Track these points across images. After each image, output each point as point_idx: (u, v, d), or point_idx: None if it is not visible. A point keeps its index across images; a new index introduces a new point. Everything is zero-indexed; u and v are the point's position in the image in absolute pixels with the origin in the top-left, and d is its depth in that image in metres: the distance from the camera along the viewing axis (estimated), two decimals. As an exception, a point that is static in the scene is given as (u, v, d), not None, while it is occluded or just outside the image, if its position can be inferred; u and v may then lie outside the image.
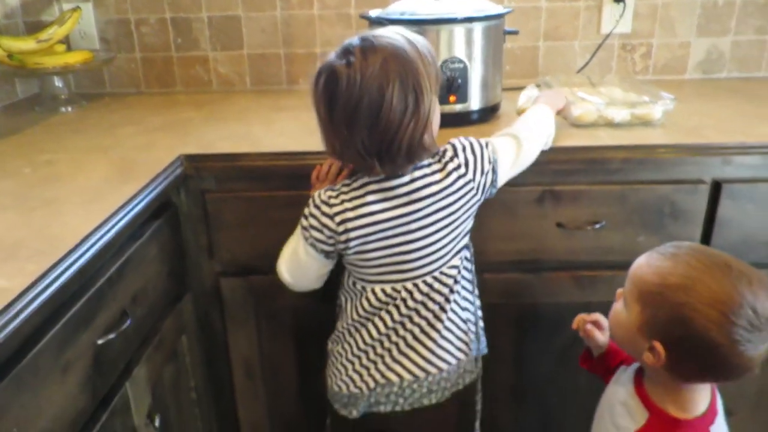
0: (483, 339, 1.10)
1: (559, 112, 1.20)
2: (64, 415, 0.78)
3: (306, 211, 0.97)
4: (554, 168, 1.18)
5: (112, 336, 0.88)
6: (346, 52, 0.88)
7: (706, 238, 1.22)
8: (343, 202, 0.94)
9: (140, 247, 1.00)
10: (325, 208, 0.95)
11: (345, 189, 0.96)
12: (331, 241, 0.96)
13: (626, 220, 1.20)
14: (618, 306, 0.93)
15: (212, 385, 1.34)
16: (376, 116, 0.86)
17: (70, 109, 1.54)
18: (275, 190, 1.20)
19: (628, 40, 1.66)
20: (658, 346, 0.83)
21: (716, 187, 1.18)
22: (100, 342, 0.86)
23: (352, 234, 0.94)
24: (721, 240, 1.20)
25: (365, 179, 0.95)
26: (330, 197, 0.95)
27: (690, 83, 1.65)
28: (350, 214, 0.94)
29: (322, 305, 1.23)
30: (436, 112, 0.93)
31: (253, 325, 1.31)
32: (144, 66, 1.72)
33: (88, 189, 1.01)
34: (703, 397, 0.88)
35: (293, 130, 1.33)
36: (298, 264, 1.01)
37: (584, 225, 1.20)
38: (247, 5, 1.65)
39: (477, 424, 1.14)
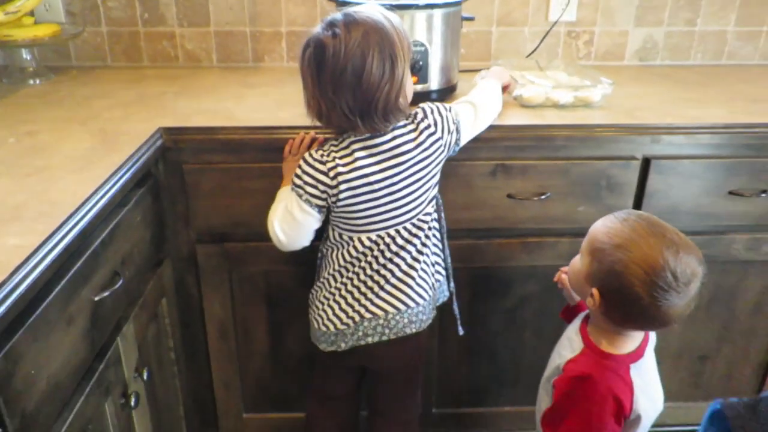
0: (452, 283, 1.28)
1: (504, 88, 1.33)
2: (69, 363, 0.86)
3: (298, 171, 1.08)
4: (506, 144, 1.30)
5: (106, 294, 0.96)
6: (332, 25, 1.00)
7: (637, 208, 1.37)
8: (334, 159, 1.06)
9: (127, 214, 1.07)
10: (319, 166, 1.06)
11: (333, 148, 1.08)
12: (324, 195, 1.08)
13: (568, 191, 1.34)
14: (576, 257, 1.08)
15: (188, 345, 1.43)
16: (358, 80, 0.99)
17: (38, 81, 1.57)
18: (249, 162, 1.28)
19: (573, 27, 1.80)
20: (595, 292, 0.99)
21: (646, 163, 1.34)
22: (96, 299, 0.93)
23: (343, 186, 1.06)
24: (650, 209, 1.35)
25: (351, 138, 1.07)
26: (322, 155, 1.07)
27: (628, 69, 1.81)
28: (342, 169, 1.06)
29: (293, 269, 1.33)
30: (408, 79, 1.06)
31: (227, 289, 1.39)
32: (110, 40, 1.75)
33: (75, 158, 1.07)
34: (631, 340, 1.03)
35: (265, 105, 1.41)
36: (293, 221, 1.11)
37: (531, 196, 1.33)
38: (214, -17, 1.70)
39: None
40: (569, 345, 1.09)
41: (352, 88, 1.00)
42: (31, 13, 1.63)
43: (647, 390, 1.01)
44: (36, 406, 0.77)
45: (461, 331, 1.34)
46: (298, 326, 1.42)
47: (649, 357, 1.07)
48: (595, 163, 1.33)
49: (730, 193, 1.36)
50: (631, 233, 0.96)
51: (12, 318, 0.71)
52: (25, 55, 1.58)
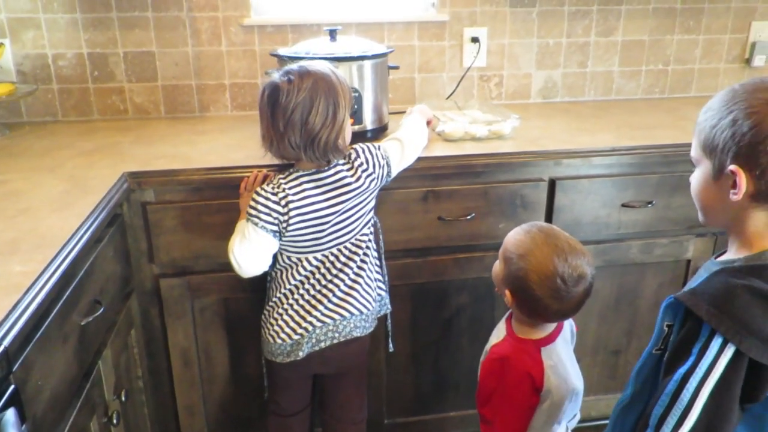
0: (388, 297, 1.46)
1: (428, 123, 1.55)
2: (65, 378, 0.97)
3: (252, 203, 1.24)
4: (433, 173, 1.51)
5: (90, 319, 1.07)
6: (287, 73, 1.21)
7: (548, 221, 1.60)
8: (284, 189, 1.23)
9: (102, 249, 1.19)
10: (271, 197, 1.23)
11: (282, 181, 1.25)
12: (276, 221, 1.24)
13: (489, 211, 1.55)
14: (496, 262, 1.28)
15: (154, 374, 1.52)
16: (304, 120, 1.19)
17: (-6, 137, 1.66)
18: (208, 199, 1.42)
19: (484, 72, 2.06)
20: (507, 293, 1.20)
21: (552, 183, 1.57)
22: (82, 323, 1.05)
23: (293, 212, 1.23)
24: (558, 222, 1.58)
25: (298, 173, 1.26)
26: (273, 188, 1.24)
27: (533, 106, 2.08)
28: (292, 197, 1.23)
29: (250, 295, 1.47)
30: (347, 124, 1.27)
31: (189, 318, 1.51)
32: (61, 96, 1.86)
33: (53, 200, 1.18)
34: (542, 328, 1.24)
35: (216, 149, 1.56)
36: (250, 246, 1.25)
37: (458, 217, 1.54)
38: (160, 42, 1.85)
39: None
40: (497, 333, 1.29)
41: (299, 126, 1.19)
42: (-16, 74, 1.73)
43: (558, 370, 1.21)
44: (43, 413, 0.88)
45: (391, 348, 1.54)
46: (256, 348, 1.54)
47: (561, 343, 1.27)
48: (510, 185, 1.55)
49: (623, 205, 1.61)
50: (531, 244, 1.17)
51: (27, 332, 0.82)
52: (-19, 112, 1.67)
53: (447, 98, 2.02)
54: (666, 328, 0.90)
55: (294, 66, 1.23)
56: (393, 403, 1.72)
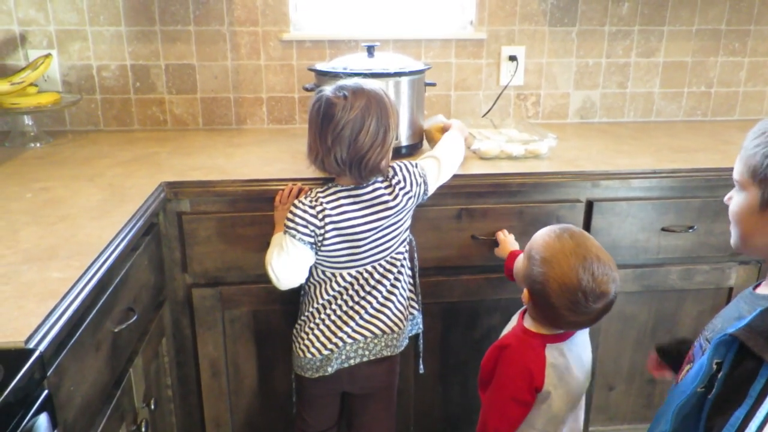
0: (421, 317, 1.44)
1: (465, 139, 1.53)
2: (96, 385, 0.97)
3: (290, 215, 1.24)
4: (468, 191, 1.49)
5: (123, 327, 1.08)
6: (341, 88, 1.20)
7: (584, 245, 1.57)
8: (321, 203, 1.23)
9: (137, 258, 1.20)
10: (309, 209, 1.23)
11: (320, 195, 1.25)
12: (313, 234, 1.23)
13: (524, 231, 1.52)
14: (520, 255, 1.27)
15: (183, 384, 1.53)
16: (355, 138, 1.18)
17: (38, 144, 1.70)
18: (242, 211, 1.43)
19: (522, 90, 2.04)
20: (526, 292, 1.19)
21: (589, 205, 1.54)
22: (115, 330, 1.05)
23: (329, 227, 1.22)
24: (594, 245, 1.55)
25: (336, 188, 1.25)
26: (311, 201, 1.24)
27: (571, 126, 2.05)
28: (330, 212, 1.22)
29: (281, 307, 1.47)
30: (392, 147, 1.25)
31: (219, 329, 1.51)
32: (103, 106, 1.90)
33: (91, 208, 1.20)
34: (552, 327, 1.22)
35: (252, 161, 1.58)
36: (288, 259, 1.25)
37: (492, 236, 1.52)
38: (200, 55, 1.88)
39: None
40: (510, 325, 1.31)
41: (348, 143, 1.18)
42: (34, 83, 1.78)
43: (561, 372, 1.19)
44: (73, 419, 0.88)
45: (422, 369, 1.51)
46: (284, 362, 1.54)
47: (574, 345, 1.24)
48: (546, 205, 1.52)
49: (663, 229, 1.57)
50: (558, 250, 1.14)
51: (62, 338, 0.83)
52: (27, 121, 1.72)
53: (483, 116, 2.00)
54: (715, 366, 0.85)
55: (348, 82, 1.23)
56: (419, 420, 1.70)
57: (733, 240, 0.95)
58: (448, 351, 1.63)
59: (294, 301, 1.40)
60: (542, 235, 1.20)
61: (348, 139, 1.18)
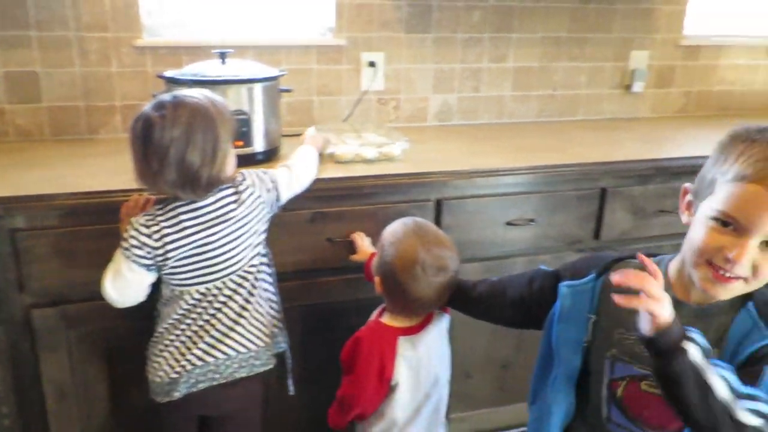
0: (284, 333, 1.40)
1: (320, 150, 1.56)
2: None
3: (125, 235, 1.19)
4: (321, 194, 1.51)
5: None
6: (160, 105, 1.12)
7: (436, 242, 1.64)
8: (159, 223, 1.18)
9: (-42, 279, 1.12)
10: (143, 230, 1.18)
11: (159, 213, 1.20)
12: (150, 256, 1.18)
13: (378, 231, 1.53)
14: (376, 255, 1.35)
15: (25, 411, 1.43)
16: (182, 158, 1.11)
17: None
18: (86, 224, 1.37)
19: (382, 95, 2.10)
20: (377, 279, 1.29)
21: (438, 204, 1.61)
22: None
23: (170, 246, 1.18)
24: (446, 242, 1.62)
25: (175, 204, 1.20)
26: (147, 220, 1.19)
27: (430, 128, 2.13)
28: (168, 230, 1.17)
29: (132, 323, 1.42)
30: (230, 156, 1.22)
31: (65, 350, 1.44)
32: (-67, 118, 1.75)
33: None
34: (408, 319, 1.31)
35: (101, 173, 1.51)
36: (123, 280, 1.20)
37: (347, 238, 1.55)
38: (45, 62, 1.78)
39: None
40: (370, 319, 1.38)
41: (176, 165, 1.12)
42: None
43: (414, 364, 1.27)
44: None
45: (291, 390, 1.45)
46: (142, 379, 1.48)
47: (427, 339, 1.32)
48: (398, 206, 1.58)
49: (507, 223, 1.67)
50: (403, 234, 1.28)
51: None
52: None
53: (343, 121, 2.04)
54: None
55: (166, 96, 1.15)
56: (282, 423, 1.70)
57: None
58: (309, 353, 1.65)
59: (149, 315, 1.36)
60: (391, 225, 1.34)
61: (174, 159, 1.11)
